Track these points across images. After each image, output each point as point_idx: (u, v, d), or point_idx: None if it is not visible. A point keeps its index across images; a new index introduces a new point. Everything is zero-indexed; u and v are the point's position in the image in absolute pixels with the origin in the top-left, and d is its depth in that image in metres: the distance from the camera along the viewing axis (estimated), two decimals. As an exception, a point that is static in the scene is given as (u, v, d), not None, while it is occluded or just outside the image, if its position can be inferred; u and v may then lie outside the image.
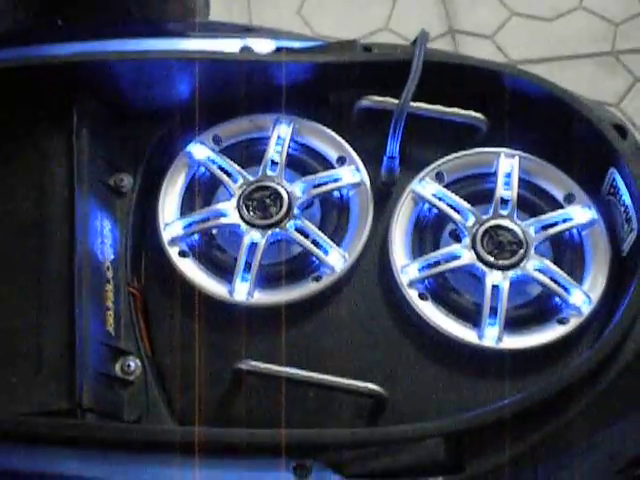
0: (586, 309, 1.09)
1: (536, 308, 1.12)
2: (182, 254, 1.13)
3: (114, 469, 0.91)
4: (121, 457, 0.91)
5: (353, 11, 2.40)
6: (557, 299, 1.11)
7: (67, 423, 0.91)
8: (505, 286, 1.10)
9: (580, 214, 1.15)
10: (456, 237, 1.15)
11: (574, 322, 1.09)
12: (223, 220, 1.14)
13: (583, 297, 1.10)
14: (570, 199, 1.16)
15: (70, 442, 0.92)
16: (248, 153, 1.20)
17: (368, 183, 1.16)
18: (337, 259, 1.12)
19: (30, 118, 1.09)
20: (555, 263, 1.13)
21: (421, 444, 0.96)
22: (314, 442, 0.94)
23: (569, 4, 2.55)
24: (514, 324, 1.09)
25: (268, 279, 1.12)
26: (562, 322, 1.09)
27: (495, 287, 1.10)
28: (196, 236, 1.15)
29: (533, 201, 1.17)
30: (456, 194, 1.16)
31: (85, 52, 1.11)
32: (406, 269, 1.11)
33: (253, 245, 1.12)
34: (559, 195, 1.17)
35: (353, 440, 0.95)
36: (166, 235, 1.13)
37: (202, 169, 1.18)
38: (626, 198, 1.11)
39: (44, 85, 1.09)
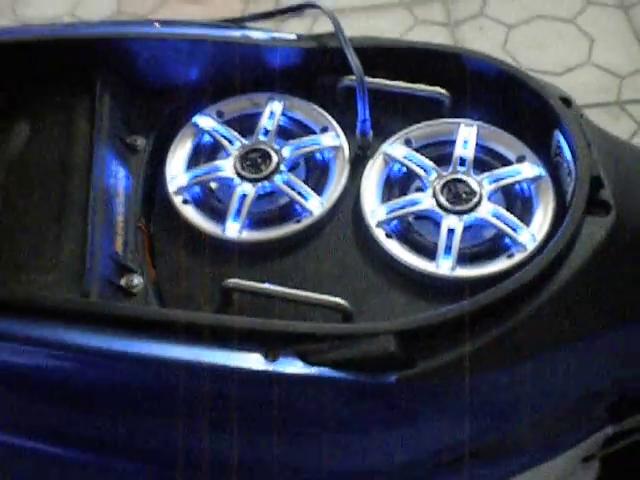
0: (531, 246, 1.25)
1: (488, 247, 1.28)
2: (185, 202, 1.33)
3: (108, 342, 1.09)
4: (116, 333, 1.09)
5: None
6: (507, 240, 1.27)
7: (71, 299, 1.10)
8: (459, 229, 1.26)
9: (529, 170, 1.32)
10: (420, 191, 1.33)
11: (519, 256, 1.24)
12: (220, 174, 1.34)
13: (529, 236, 1.26)
14: (521, 160, 1.34)
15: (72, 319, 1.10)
16: (245, 126, 1.41)
17: (346, 146, 1.36)
18: (316, 205, 1.30)
19: (61, 83, 1.33)
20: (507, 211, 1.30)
21: (376, 341, 1.11)
22: (282, 331, 1.10)
23: (578, 60, 2.76)
24: (467, 259, 1.26)
25: (257, 223, 1.31)
26: (509, 257, 1.25)
27: (450, 230, 1.27)
28: (198, 189, 1.34)
29: (488, 161, 1.35)
30: None
31: (108, 31, 1.35)
32: (375, 212, 1.29)
33: (244, 196, 1.31)
34: (512, 157, 1.35)
35: (314, 331, 1.11)
36: (172, 186, 1.33)
37: (206, 137, 1.39)
38: (567, 154, 1.28)
39: (73, 56, 1.32)
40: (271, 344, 1.10)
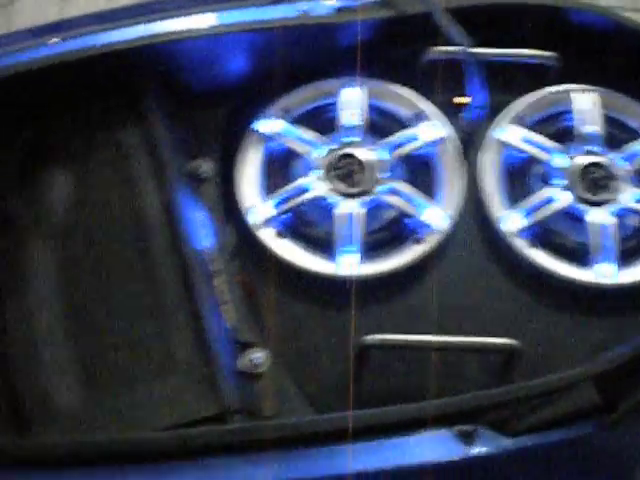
0: None
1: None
2: (279, 234, 1.07)
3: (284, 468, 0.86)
4: (290, 454, 0.86)
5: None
6: None
7: (233, 428, 0.85)
8: (611, 222, 1.07)
9: None
10: (545, 179, 1.12)
11: None
12: (310, 195, 1.08)
13: None
14: None
15: (226, 449, 0.86)
16: (319, 121, 1.15)
17: (451, 136, 1.12)
18: (437, 217, 1.08)
19: (101, 113, 1.02)
20: None
21: (578, 394, 0.93)
22: (476, 406, 0.90)
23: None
24: (622, 258, 1.07)
25: (368, 249, 1.07)
26: None
27: (601, 224, 1.07)
28: (285, 215, 1.09)
29: (612, 134, 1.15)
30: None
31: (148, 35, 1.03)
32: (508, 219, 1.08)
33: (349, 217, 1.07)
34: (636, 124, 1.15)
35: (514, 397, 0.91)
36: (254, 218, 1.07)
37: (274, 143, 1.12)
38: None
39: (111, 75, 1.01)
40: (459, 423, 0.90)
